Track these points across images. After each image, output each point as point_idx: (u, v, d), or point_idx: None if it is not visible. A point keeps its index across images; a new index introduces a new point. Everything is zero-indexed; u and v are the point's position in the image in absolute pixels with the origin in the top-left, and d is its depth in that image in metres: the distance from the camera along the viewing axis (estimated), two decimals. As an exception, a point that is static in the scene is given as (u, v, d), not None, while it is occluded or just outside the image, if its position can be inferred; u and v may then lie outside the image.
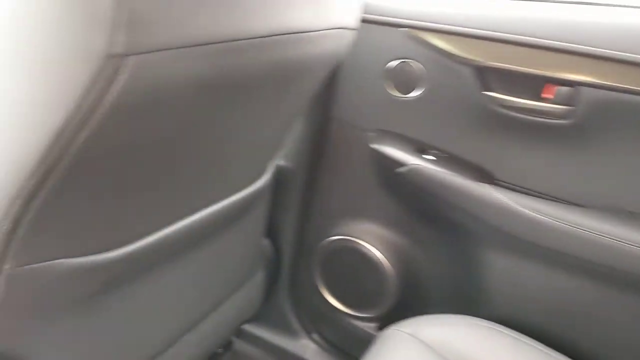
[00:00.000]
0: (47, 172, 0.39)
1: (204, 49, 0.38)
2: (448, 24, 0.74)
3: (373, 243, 0.89)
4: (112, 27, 0.32)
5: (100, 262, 0.52)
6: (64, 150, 0.38)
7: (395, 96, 0.79)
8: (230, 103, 0.48)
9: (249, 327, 1.03)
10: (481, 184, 0.75)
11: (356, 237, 0.90)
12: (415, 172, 0.79)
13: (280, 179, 0.85)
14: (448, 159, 0.79)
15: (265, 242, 0.94)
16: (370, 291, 0.91)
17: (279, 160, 0.87)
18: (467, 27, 0.73)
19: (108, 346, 0.60)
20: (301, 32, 0.48)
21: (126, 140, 0.42)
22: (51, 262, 0.47)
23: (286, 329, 1.02)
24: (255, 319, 1.00)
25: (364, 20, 0.75)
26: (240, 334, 1.03)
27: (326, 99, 0.84)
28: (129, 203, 0.50)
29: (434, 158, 0.79)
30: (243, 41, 0.41)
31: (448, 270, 0.85)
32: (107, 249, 0.52)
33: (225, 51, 0.40)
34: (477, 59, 0.72)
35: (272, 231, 0.94)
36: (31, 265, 0.45)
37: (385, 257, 0.88)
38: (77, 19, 0.33)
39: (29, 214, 0.41)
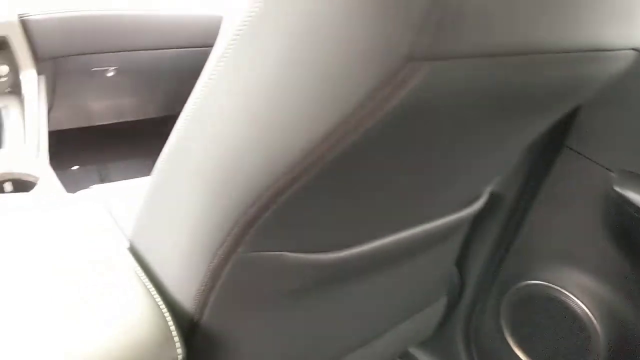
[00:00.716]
0: (304, 169, 0.37)
1: (506, 59, 0.33)
2: None
3: (582, 297, 0.76)
4: (420, 27, 0.28)
5: (316, 262, 0.51)
6: (328, 150, 0.36)
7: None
8: (495, 118, 0.42)
9: (414, 351, 0.98)
10: None
11: (562, 287, 0.78)
12: (671, 230, 0.64)
13: (484, 206, 0.77)
14: None
15: (453, 270, 0.87)
16: (568, 351, 0.78)
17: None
18: None
19: (296, 342, 0.60)
20: (600, 50, 0.41)
21: (385, 148, 0.39)
22: (277, 253, 0.47)
23: None
24: (422, 343, 0.95)
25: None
26: (404, 355, 0.98)
27: (563, 126, 0.73)
28: (359, 208, 0.48)
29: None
30: (547, 55, 0.35)
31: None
32: (324, 251, 0.51)
33: (526, 63, 0.35)
34: None
35: (461, 259, 0.87)
36: (259, 253, 0.46)
37: (594, 316, 0.75)
38: (380, 14, 0.30)
39: (274, 206, 0.41)
